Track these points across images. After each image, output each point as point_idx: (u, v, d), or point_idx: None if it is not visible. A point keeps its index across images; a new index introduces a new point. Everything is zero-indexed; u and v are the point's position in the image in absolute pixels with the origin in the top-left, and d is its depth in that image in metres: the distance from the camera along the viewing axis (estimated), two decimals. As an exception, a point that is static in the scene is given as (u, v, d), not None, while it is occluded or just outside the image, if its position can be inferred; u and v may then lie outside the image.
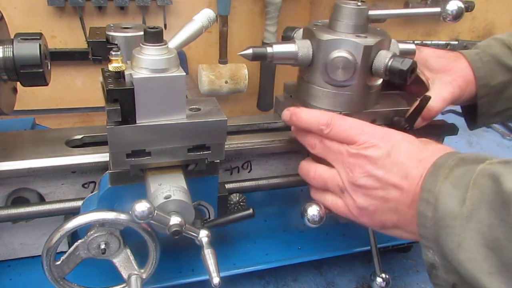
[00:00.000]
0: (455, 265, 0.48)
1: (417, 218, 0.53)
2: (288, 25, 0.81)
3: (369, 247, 0.80)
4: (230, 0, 1.32)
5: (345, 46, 0.67)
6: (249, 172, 0.82)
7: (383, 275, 0.78)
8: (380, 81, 0.74)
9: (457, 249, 0.47)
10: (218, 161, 0.67)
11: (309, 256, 0.85)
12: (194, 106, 0.64)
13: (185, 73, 0.58)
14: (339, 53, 0.67)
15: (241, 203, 0.74)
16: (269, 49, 0.69)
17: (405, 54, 0.76)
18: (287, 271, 0.89)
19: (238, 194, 0.74)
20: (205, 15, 0.65)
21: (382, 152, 0.59)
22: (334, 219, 0.82)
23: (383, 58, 0.67)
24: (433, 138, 0.65)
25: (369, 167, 0.59)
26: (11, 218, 0.68)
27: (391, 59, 0.66)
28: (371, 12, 0.70)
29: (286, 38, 0.79)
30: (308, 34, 0.71)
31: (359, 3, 0.69)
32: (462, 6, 0.64)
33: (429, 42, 1.59)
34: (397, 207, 0.58)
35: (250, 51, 0.68)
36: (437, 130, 0.88)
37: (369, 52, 0.67)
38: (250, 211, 0.69)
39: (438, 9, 0.66)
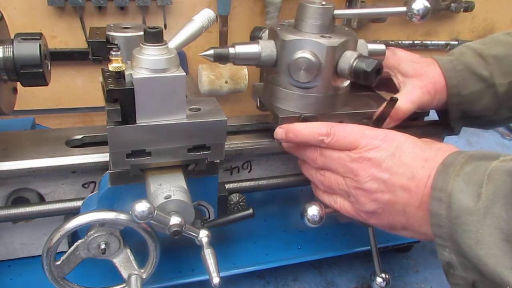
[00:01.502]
0: (475, 262, 0.47)
1: (429, 218, 0.52)
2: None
3: (369, 247, 0.80)
4: (230, 0, 1.32)
5: (308, 46, 0.65)
6: (249, 172, 0.82)
7: (383, 275, 0.78)
8: (347, 82, 0.73)
9: (475, 245, 0.47)
10: (218, 161, 0.67)
11: (309, 256, 0.85)
12: (194, 106, 0.64)
13: (185, 73, 0.58)
14: (302, 54, 0.65)
15: (241, 203, 0.74)
16: (231, 50, 0.68)
17: (374, 55, 0.74)
18: (287, 271, 0.89)
19: (238, 194, 0.74)
20: (205, 15, 0.65)
21: (385, 154, 0.58)
22: (334, 219, 0.81)
23: (348, 59, 0.65)
24: (433, 138, 0.65)
25: (374, 170, 0.59)
26: (11, 218, 0.68)
27: (356, 60, 0.65)
28: (336, 12, 0.68)
29: (254, 38, 0.77)
30: (273, 35, 0.70)
31: (324, 3, 0.68)
32: (428, 5, 0.62)
33: (429, 42, 1.59)
34: (406, 209, 0.57)
35: (211, 51, 0.67)
36: (437, 130, 0.88)
37: (333, 53, 0.66)
38: (250, 211, 0.69)
39: (404, 9, 0.64)
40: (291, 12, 1.43)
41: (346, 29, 0.72)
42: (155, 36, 0.56)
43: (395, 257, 0.96)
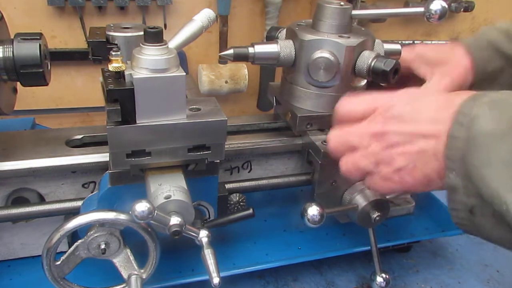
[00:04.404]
0: (477, 183, 0.46)
1: (447, 141, 0.51)
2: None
3: (369, 247, 0.80)
4: (230, 0, 1.32)
5: (327, 46, 0.66)
6: (249, 172, 0.82)
7: (383, 275, 0.78)
8: (364, 81, 0.74)
9: (481, 166, 0.46)
10: (218, 161, 0.67)
11: (309, 256, 0.85)
12: (194, 106, 0.64)
13: (185, 73, 0.58)
14: (321, 54, 0.66)
15: (241, 203, 0.74)
16: (250, 49, 0.68)
17: (390, 54, 0.74)
18: (287, 271, 0.89)
19: (238, 194, 0.74)
20: (205, 15, 0.65)
21: (403, 109, 0.56)
22: (334, 219, 0.81)
23: (366, 59, 0.66)
24: None
25: (397, 125, 0.57)
26: (11, 218, 0.68)
27: (374, 60, 0.65)
28: (354, 12, 0.69)
29: (270, 38, 0.78)
30: (291, 34, 0.71)
31: (342, 3, 0.68)
32: (446, 5, 0.63)
33: (429, 42, 1.59)
34: (437, 154, 0.55)
35: (231, 51, 0.68)
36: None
37: (351, 53, 0.66)
38: (250, 211, 0.69)
39: (421, 9, 0.64)
40: (291, 12, 1.44)
41: (363, 29, 0.73)
42: (155, 36, 0.56)
43: (395, 257, 0.96)
